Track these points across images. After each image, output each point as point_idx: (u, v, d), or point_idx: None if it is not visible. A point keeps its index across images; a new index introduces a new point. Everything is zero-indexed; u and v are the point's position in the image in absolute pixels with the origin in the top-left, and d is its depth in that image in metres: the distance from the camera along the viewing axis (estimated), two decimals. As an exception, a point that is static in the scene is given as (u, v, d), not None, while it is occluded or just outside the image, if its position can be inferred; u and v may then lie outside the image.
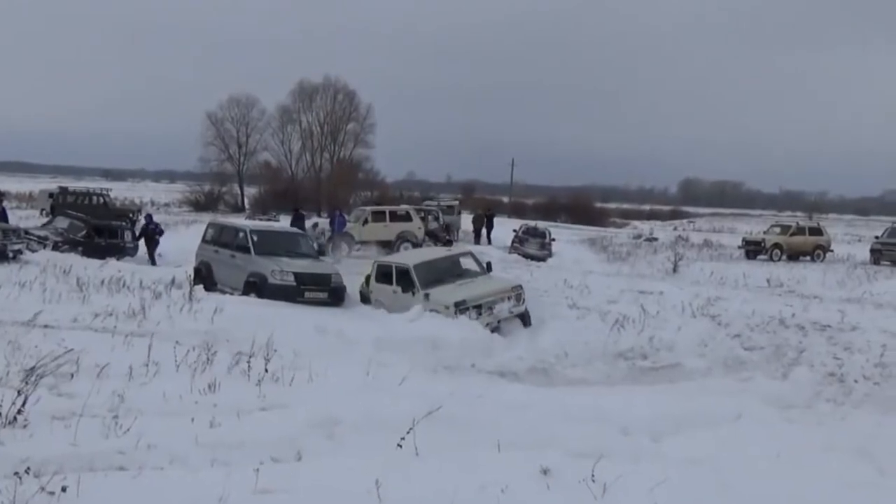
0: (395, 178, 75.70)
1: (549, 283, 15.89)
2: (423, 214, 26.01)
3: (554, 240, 28.30)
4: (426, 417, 6.17)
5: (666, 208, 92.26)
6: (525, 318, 12.14)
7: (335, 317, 12.08)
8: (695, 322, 12.33)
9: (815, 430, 7.80)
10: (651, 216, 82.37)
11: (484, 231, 31.18)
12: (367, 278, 13.88)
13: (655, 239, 39.50)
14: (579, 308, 13.26)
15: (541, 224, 31.26)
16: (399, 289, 12.69)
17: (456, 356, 10.66)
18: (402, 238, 24.22)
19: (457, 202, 33.50)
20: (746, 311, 13.19)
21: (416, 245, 23.55)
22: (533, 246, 26.85)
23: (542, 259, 25.33)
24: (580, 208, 67.07)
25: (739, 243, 31.06)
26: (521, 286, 12.33)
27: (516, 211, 65.80)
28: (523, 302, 12.15)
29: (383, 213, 25.14)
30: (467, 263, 13.47)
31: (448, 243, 24.56)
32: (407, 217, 24.82)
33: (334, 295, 13.66)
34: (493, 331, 11.58)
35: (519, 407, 7.52)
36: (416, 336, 11.04)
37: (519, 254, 25.98)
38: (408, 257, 13.63)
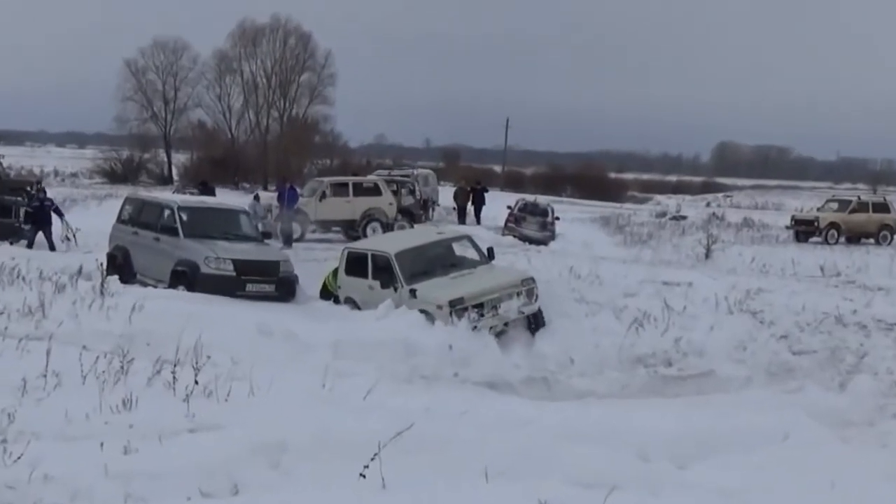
0: (360, 142, 75.69)
1: (551, 272, 15.86)
2: (395, 187, 26.14)
3: (557, 218, 28.44)
4: (396, 439, 6.21)
5: (696, 180, 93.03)
6: (538, 320, 12.19)
7: (284, 315, 12.09)
8: (731, 320, 12.42)
9: (879, 453, 7.91)
10: (678, 189, 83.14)
11: (471, 208, 31.40)
12: (335, 271, 13.83)
13: (683, 217, 39.86)
14: (588, 303, 13.31)
15: (542, 199, 31.53)
16: (377, 283, 12.55)
17: (435, 363, 10.72)
18: (370, 217, 24.36)
19: (430, 172, 33.29)
20: (795, 306, 13.32)
21: (386, 226, 23.61)
22: (532, 226, 27.11)
23: (542, 242, 25.60)
24: (590, 180, 67.46)
25: (787, 223, 31.51)
26: (532, 279, 12.35)
27: (511, 183, 66.26)
28: (536, 299, 12.15)
29: (345, 185, 25.21)
30: (463, 250, 13.47)
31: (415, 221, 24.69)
32: (375, 190, 24.93)
33: (283, 287, 13.71)
34: (497, 336, 11.64)
35: (512, 425, 7.58)
36: (384, 338, 11.05)
37: (514, 236, 26.25)
38: (387, 242, 13.54)
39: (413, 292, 12.00)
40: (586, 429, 7.58)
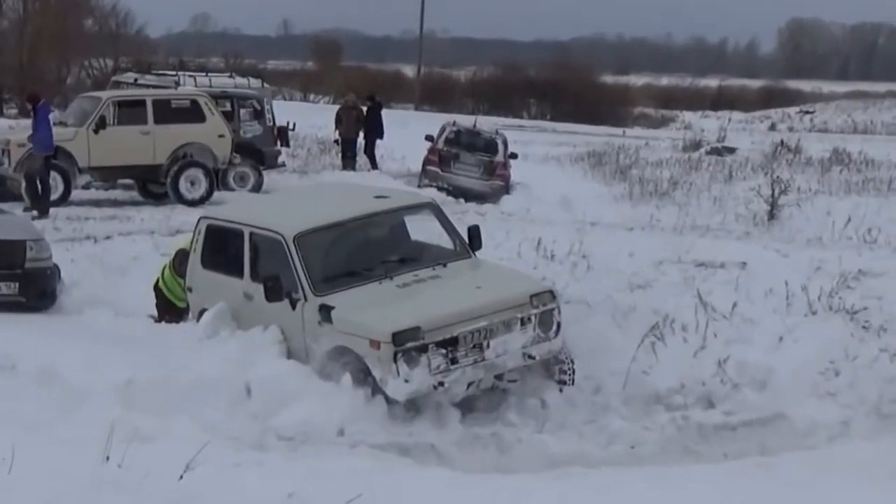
0: (168, 30, 72.33)
1: (505, 249, 15.20)
2: (228, 106, 24.63)
3: (514, 156, 27.23)
4: None
5: (753, 84, 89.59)
6: (564, 369, 11.02)
7: (36, 336, 11.53)
8: (814, 326, 11.89)
9: None
10: (721, 102, 79.59)
11: (361, 140, 30.02)
12: (175, 260, 13.02)
13: (731, 150, 38.23)
14: (570, 302, 12.70)
15: (486, 124, 30.31)
16: (258, 290, 11.18)
17: (306, 413, 10.06)
18: (184, 159, 22.61)
19: (262, 82, 30.35)
20: None
21: (210, 174, 22.42)
22: (469, 170, 25.88)
23: (487, 196, 24.70)
24: (571, 89, 63.58)
25: None
26: (551, 292, 11.13)
27: (433, 96, 63.32)
28: (557, 330, 10.90)
29: (140, 104, 23.10)
30: (423, 230, 12.37)
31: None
32: (193, 112, 23.05)
33: (32, 287, 13.23)
34: (492, 389, 10.76)
35: None
36: (213, 373, 10.48)
37: (439, 187, 25.27)
38: (281, 213, 12.30)
39: (326, 312, 10.62)
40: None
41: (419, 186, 25.45)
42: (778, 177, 25.25)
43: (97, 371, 10.33)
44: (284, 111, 30.02)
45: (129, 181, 23.65)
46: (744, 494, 8.00)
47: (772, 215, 23.28)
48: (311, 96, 65.66)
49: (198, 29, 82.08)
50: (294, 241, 11.06)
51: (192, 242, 12.43)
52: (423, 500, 7.85)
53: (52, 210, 20.10)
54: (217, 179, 22.55)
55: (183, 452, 7.96)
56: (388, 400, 10.18)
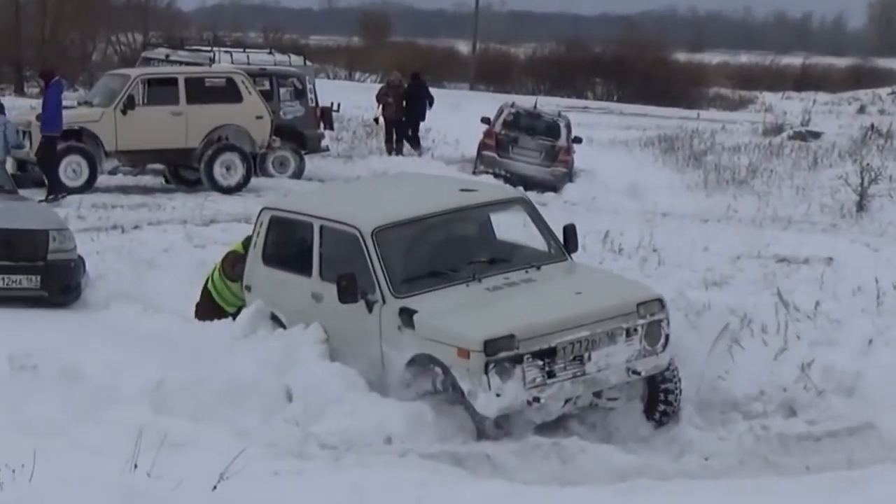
0: (203, 2, 72.63)
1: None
2: (268, 85, 24.69)
3: (578, 140, 27.29)
4: None
5: (840, 63, 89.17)
6: (668, 389, 10.81)
7: (59, 334, 11.62)
8: None
9: None
10: (805, 82, 79.19)
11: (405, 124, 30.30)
12: (225, 263, 12.87)
13: (817, 135, 38.21)
14: None
15: (548, 107, 30.35)
16: (329, 290, 10.96)
17: (350, 419, 10.07)
18: (218, 144, 22.73)
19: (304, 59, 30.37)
20: None
21: (248, 158, 22.47)
22: (529, 156, 25.82)
23: (550, 185, 24.80)
24: (639, 69, 63.43)
25: None
26: (661, 300, 10.86)
27: (489, 75, 63.48)
28: (666, 340, 10.67)
29: (172, 82, 23.32)
30: (513, 228, 12.11)
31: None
32: (229, 91, 23.17)
33: (54, 280, 13.29)
34: (591, 405, 10.57)
35: None
36: (251, 376, 10.50)
37: (497, 174, 25.32)
38: (356, 204, 12.09)
39: (408, 316, 10.37)
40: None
41: (474, 173, 25.44)
42: (868, 164, 25.07)
43: (124, 371, 10.34)
44: (328, 91, 30.14)
45: (159, 166, 23.75)
46: (831, 509, 8.08)
47: (861, 206, 23.10)
48: (357, 75, 65.53)
49: (234, 1, 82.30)
50: (372, 237, 10.78)
51: (252, 236, 12.22)
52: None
53: (76, 197, 20.14)
54: (255, 165, 22.58)
55: (217, 460, 8.04)
56: (474, 416, 10.00)
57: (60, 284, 13.20)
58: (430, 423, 10.13)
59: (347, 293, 10.47)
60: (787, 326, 11.71)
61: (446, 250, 11.31)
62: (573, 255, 11.60)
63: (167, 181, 23.81)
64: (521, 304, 10.51)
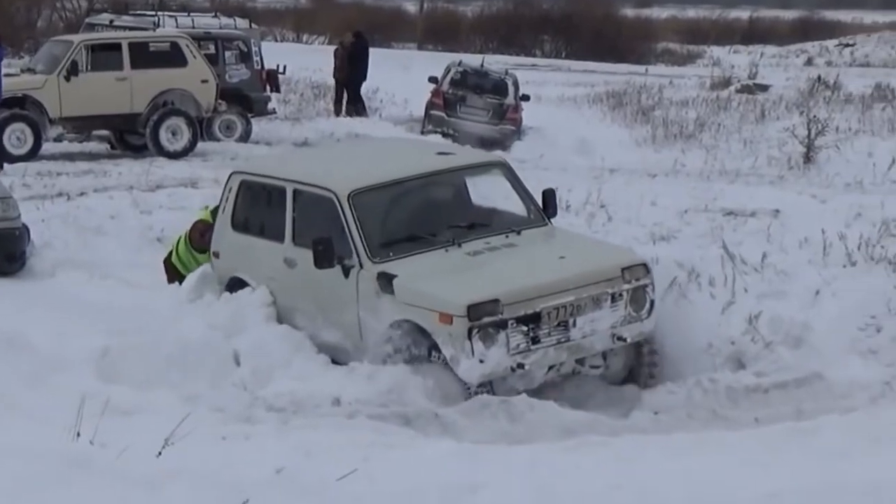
0: None
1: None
2: (213, 48, 24.65)
3: (526, 98, 27.26)
4: None
5: (788, 15, 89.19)
6: (652, 356, 10.80)
7: (2, 301, 11.77)
8: (854, 278, 11.83)
9: None
10: (752, 35, 79.42)
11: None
12: (193, 232, 12.63)
13: (764, 87, 38.52)
14: None
15: (495, 65, 30.48)
16: (303, 255, 10.83)
17: (298, 382, 10.13)
18: (164, 108, 22.57)
19: (249, 22, 30.31)
20: None
21: (194, 123, 22.38)
22: (477, 114, 25.89)
23: (498, 144, 24.73)
24: (587, 25, 63.60)
25: None
26: (645, 265, 10.79)
27: (436, 35, 63.30)
28: (651, 306, 10.61)
29: (115, 48, 23.13)
30: (493, 194, 12.00)
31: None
32: (173, 56, 23.06)
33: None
34: (573, 372, 10.51)
35: (437, 496, 7.16)
36: (198, 340, 10.52)
37: (445, 133, 25.28)
38: (330, 167, 11.86)
39: (387, 280, 10.23)
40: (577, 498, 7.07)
41: (422, 133, 25.56)
42: (815, 116, 25.13)
43: (70, 339, 10.32)
44: (275, 53, 29.96)
45: (104, 132, 23.62)
46: (777, 463, 7.93)
47: (808, 158, 23.23)
48: (305, 37, 65.48)
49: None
50: (349, 200, 10.64)
51: (220, 201, 12.07)
52: (423, 474, 7.76)
53: (21, 165, 19.87)
54: (201, 129, 22.48)
55: (163, 426, 7.94)
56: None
57: (5, 253, 13.05)
58: (384, 385, 10.03)
59: (323, 258, 10.34)
60: (735, 279, 11.70)
61: (425, 214, 11.21)
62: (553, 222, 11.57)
63: (113, 147, 23.74)
64: (504, 269, 10.40)
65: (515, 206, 11.50)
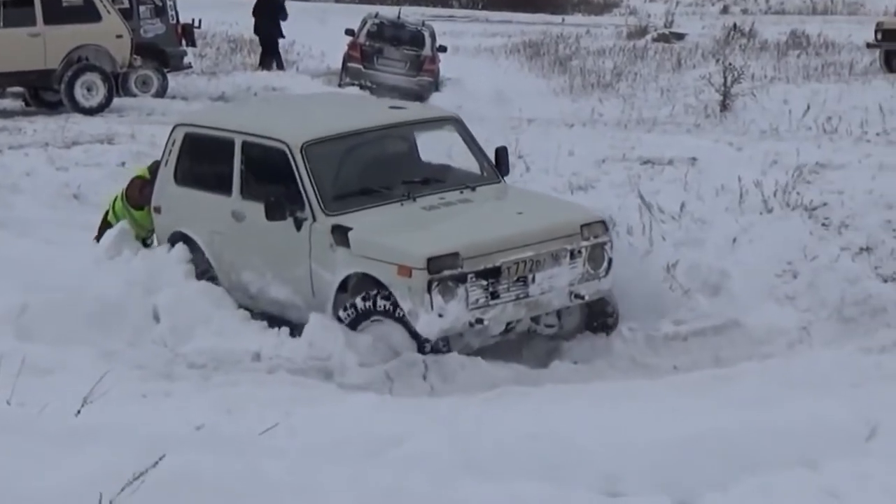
0: None
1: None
2: (124, 3, 24.30)
3: (443, 50, 27.29)
4: (130, 490, 5.77)
5: None
6: (606, 313, 10.70)
7: None
8: (770, 224, 11.97)
9: None
10: None
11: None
12: (130, 189, 12.26)
13: (680, 36, 38.60)
14: None
15: (412, 16, 30.04)
16: (253, 208, 10.59)
17: (216, 338, 10.17)
18: (78, 64, 22.18)
19: None
20: (888, 192, 12.90)
21: (109, 78, 22.05)
22: (394, 66, 25.92)
23: (416, 95, 24.50)
24: None
25: (872, 39, 30.04)
26: (603, 222, 10.67)
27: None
28: (609, 264, 10.45)
29: (27, 2, 22.59)
30: (446, 150, 11.92)
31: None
32: (86, 11, 22.63)
33: None
34: (528, 331, 10.52)
35: (361, 451, 7.12)
36: (117, 297, 10.49)
37: (362, 85, 25.35)
38: (281, 119, 11.67)
39: (341, 233, 10.02)
40: (498, 445, 7.01)
41: (340, 85, 25.43)
42: (731, 64, 25.24)
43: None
44: (191, 7, 29.57)
45: (18, 89, 23.33)
46: (696, 409, 7.96)
47: (724, 106, 23.26)
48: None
49: None
50: (302, 151, 10.38)
51: (163, 153, 11.77)
52: (346, 427, 7.75)
53: None
54: (116, 84, 22.23)
55: (83, 385, 7.82)
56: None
57: None
58: (303, 340, 10.05)
59: (275, 210, 10.16)
60: (652, 228, 11.75)
61: (378, 168, 11.05)
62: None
63: (27, 104, 23.51)
64: (462, 223, 10.33)
65: (469, 163, 11.39)
